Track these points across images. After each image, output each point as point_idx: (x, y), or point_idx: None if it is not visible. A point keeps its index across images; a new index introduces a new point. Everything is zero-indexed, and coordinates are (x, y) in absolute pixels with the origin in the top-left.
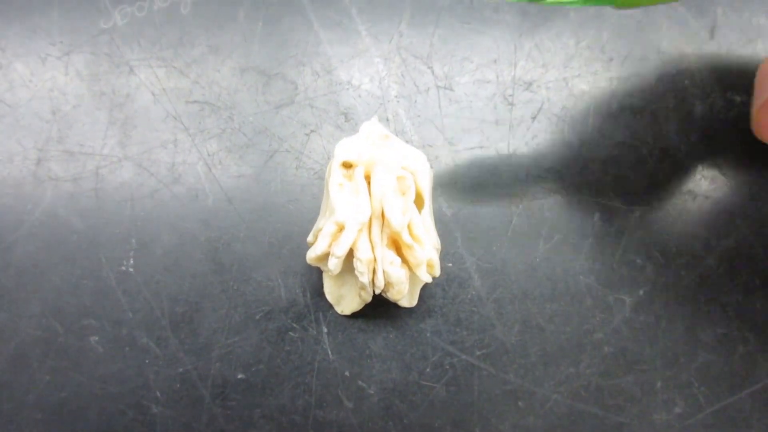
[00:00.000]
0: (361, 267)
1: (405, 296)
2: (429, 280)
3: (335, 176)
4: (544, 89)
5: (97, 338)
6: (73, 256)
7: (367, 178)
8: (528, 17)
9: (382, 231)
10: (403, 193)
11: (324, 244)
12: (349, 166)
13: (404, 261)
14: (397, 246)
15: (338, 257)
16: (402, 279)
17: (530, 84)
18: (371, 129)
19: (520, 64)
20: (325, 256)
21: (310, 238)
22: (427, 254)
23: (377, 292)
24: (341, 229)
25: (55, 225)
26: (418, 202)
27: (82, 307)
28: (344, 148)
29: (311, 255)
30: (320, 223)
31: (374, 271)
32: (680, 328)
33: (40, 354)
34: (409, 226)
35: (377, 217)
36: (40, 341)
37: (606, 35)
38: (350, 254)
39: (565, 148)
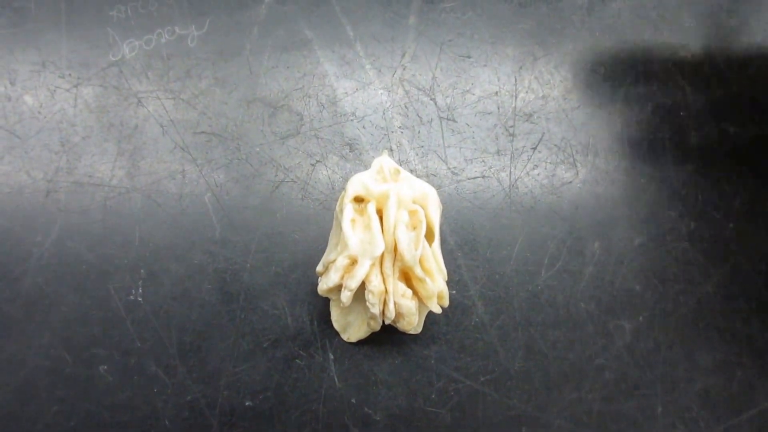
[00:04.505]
0: (373, 299)
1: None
2: (439, 311)
3: (347, 212)
4: (544, 120)
5: (105, 367)
6: (82, 287)
7: (379, 213)
8: (527, 50)
9: (393, 264)
10: (414, 228)
11: (336, 277)
12: (360, 201)
13: (415, 293)
14: (407, 277)
15: (351, 290)
16: (413, 310)
17: (531, 115)
18: (382, 164)
19: (520, 96)
20: (337, 288)
21: (319, 269)
22: (438, 287)
23: (387, 322)
24: (354, 262)
25: (64, 256)
26: (429, 235)
27: (91, 337)
28: (356, 184)
29: (323, 287)
30: (331, 255)
31: (385, 303)
32: (679, 353)
33: (49, 383)
34: (420, 260)
35: (389, 250)
36: (49, 371)
37: (603, 68)
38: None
39: (565, 177)
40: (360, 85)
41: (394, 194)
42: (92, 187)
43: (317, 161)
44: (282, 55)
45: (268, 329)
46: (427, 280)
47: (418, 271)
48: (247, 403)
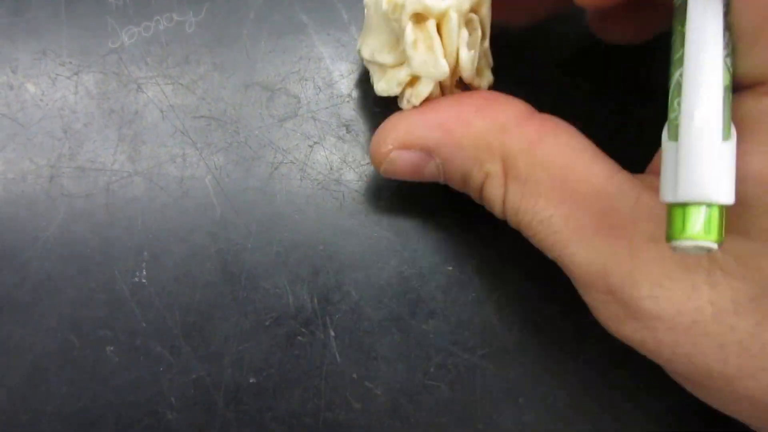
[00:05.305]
0: None
1: None
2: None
3: (409, 33)
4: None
5: (112, 348)
6: (87, 270)
7: (439, 26)
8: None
9: (452, 76)
10: (470, 33)
11: (398, 89)
12: (421, 20)
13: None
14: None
15: (413, 105)
16: None
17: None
18: None
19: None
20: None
21: (366, 55)
22: (488, 80)
23: None
24: (415, 78)
25: (69, 240)
26: (483, 33)
27: (97, 319)
28: (414, 3)
29: (383, 88)
30: (384, 56)
31: None
32: None
33: (57, 366)
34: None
35: (450, 68)
36: (57, 353)
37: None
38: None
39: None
40: (355, 67)
41: (455, 15)
42: (95, 172)
43: (315, 143)
44: (278, 40)
45: (270, 308)
46: (481, 83)
47: (475, 82)
48: (251, 380)
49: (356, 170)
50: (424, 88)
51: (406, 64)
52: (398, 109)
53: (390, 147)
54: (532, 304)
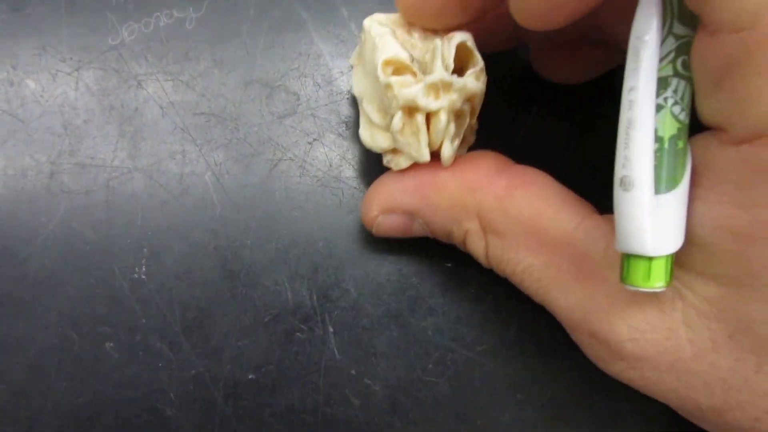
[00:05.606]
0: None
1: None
2: None
3: (397, 122)
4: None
5: (112, 345)
6: (87, 267)
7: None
8: None
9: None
10: (459, 117)
11: (378, 151)
12: (411, 111)
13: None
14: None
15: (392, 169)
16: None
17: (520, 90)
18: (436, 78)
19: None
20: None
21: (355, 83)
22: (468, 146)
23: None
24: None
25: (69, 237)
26: (472, 113)
27: (96, 315)
28: (406, 97)
29: (367, 141)
30: (371, 110)
31: None
32: None
33: (57, 362)
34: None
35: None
36: (57, 350)
37: None
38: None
39: (560, 143)
40: None
41: (445, 115)
42: (95, 169)
43: (314, 139)
44: (278, 36)
45: (269, 304)
46: (461, 148)
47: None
48: (250, 377)
49: (355, 167)
50: (404, 162)
51: (392, 142)
52: None
53: (375, 213)
54: (530, 300)
